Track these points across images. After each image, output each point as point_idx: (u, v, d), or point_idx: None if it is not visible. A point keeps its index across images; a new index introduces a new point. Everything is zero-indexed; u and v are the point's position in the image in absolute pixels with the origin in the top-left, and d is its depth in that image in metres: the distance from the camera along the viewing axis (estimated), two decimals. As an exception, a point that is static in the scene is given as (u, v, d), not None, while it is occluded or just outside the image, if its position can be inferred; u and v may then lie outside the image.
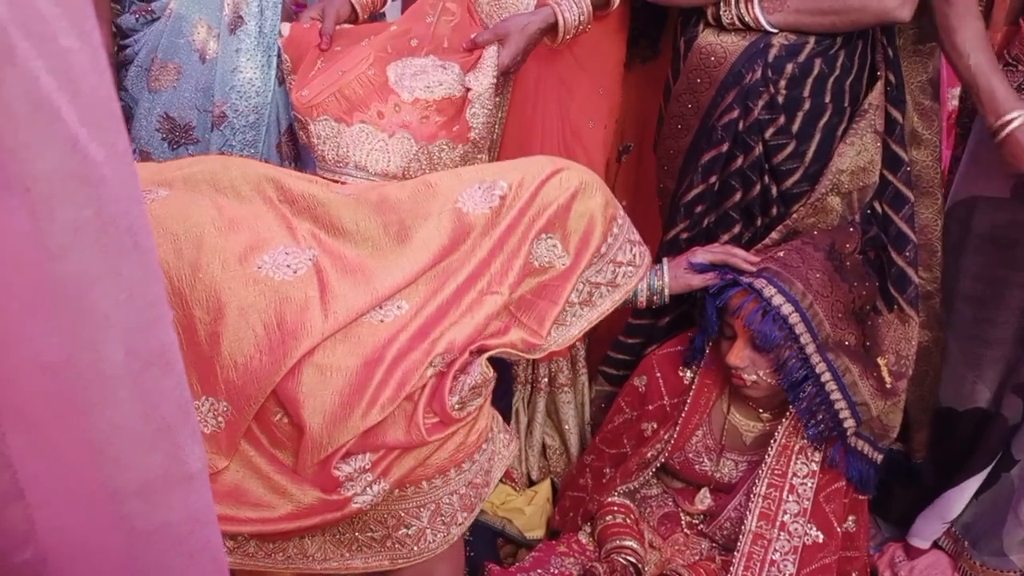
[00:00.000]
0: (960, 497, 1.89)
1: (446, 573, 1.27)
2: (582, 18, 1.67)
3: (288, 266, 1.11)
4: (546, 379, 2.12)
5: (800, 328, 1.56)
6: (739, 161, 1.79)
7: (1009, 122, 1.56)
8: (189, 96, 1.84)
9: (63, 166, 0.39)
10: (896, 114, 1.77)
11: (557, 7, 1.64)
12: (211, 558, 0.56)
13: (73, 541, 0.49)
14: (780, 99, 1.73)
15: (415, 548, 1.18)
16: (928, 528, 1.95)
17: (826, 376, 1.59)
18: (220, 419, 1.09)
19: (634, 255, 1.28)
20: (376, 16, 1.82)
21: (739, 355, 1.63)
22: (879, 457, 1.71)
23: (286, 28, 1.63)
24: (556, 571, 1.75)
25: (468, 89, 1.56)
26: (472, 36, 1.62)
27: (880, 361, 1.67)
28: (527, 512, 2.06)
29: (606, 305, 1.26)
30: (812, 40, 1.70)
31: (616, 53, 1.91)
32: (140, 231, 0.46)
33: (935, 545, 1.96)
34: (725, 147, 1.79)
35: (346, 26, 1.66)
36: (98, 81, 0.40)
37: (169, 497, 0.52)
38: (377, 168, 1.53)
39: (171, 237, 1.10)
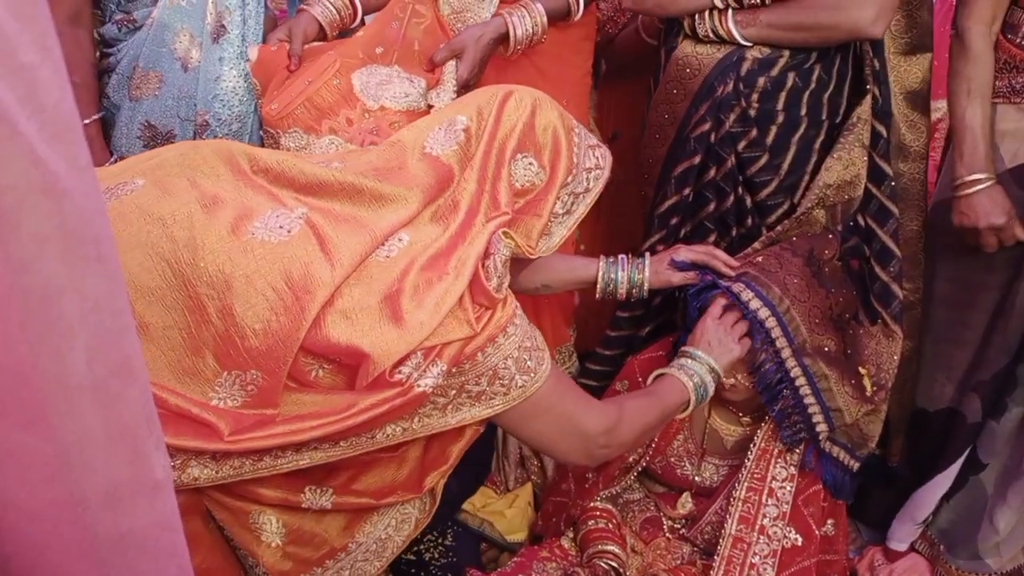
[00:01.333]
0: (929, 497, 1.91)
1: (550, 424, 1.30)
2: (535, 28, 1.68)
3: (281, 227, 1.14)
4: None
5: (776, 332, 1.58)
6: (712, 172, 1.81)
7: (976, 182, 1.65)
8: (171, 104, 1.84)
9: (24, 180, 0.40)
10: (881, 128, 1.78)
11: (508, 18, 1.66)
12: (176, 564, 0.56)
13: (37, 547, 0.49)
14: (752, 112, 1.75)
15: (476, 407, 1.22)
16: (903, 530, 1.97)
17: (800, 380, 1.61)
18: (251, 387, 1.11)
19: (598, 158, 1.33)
20: (345, 33, 1.82)
21: None
22: (855, 464, 1.73)
23: (254, 52, 1.63)
24: (539, 573, 1.76)
25: (431, 107, 1.57)
26: (430, 56, 1.63)
27: (862, 371, 1.68)
28: (508, 515, 2.07)
29: (580, 209, 1.31)
30: (786, 54, 1.72)
31: (580, 64, 1.91)
32: (104, 243, 0.47)
33: (913, 549, 1.98)
34: (698, 159, 1.81)
35: (315, 44, 1.66)
36: (60, 96, 0.41)
37: (134, 504, 0.53)
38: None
39: (159, 223, 1.11)
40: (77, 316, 0.46)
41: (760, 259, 1.68)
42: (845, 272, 1.72)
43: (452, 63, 1.62)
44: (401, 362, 1.10)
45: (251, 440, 1.09)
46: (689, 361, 1.56)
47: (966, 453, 1.86)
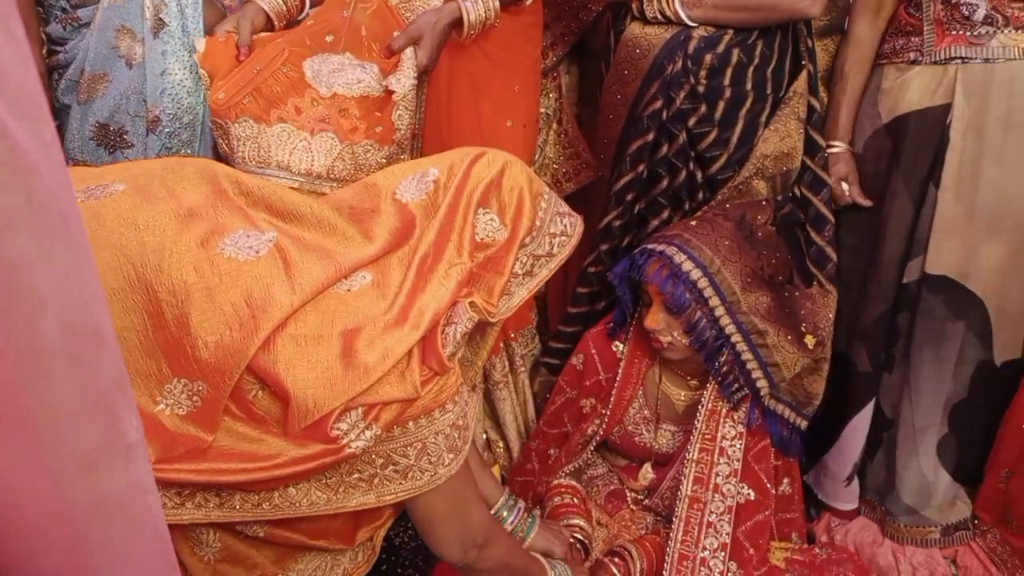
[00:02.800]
0: (844, 454, 1.99)
1: (444, 506, 1.29)
2: (488, 13, 1.70)
3: (250, 247, 1.15)
4: (480, 376, 2.14)
5: (709, 292, 1.65)
6: (664, 149, 1.86)
7: (832, 146, 1.88)
8: (120, 102, 1.84)
9: (-8, 153, 0.42)
10: (815, 102, 1.86)
11: (462, 3, 1.68)
12: (152, 526, 0.59)
13: (14, 515, 0.51)
14: (701, 89, 1.81)
15: (403, 484, 1.21)
16: (833, 490, 2.04)
17: (736, 337, 1.68)
18: (196, 399, 1.11)
19: (565, 225, 1.34)
20: (293, 24, 1.83)
21: (654, 318, 1.71)
22: (802, 422, 1.79)
23: (201, 43, 1.63)
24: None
25: (391, 92, 1.59)
26: (388, 44, 1.65)
27: (803, 328, 1.75)
28: (477, 497, 2.09)
29: (544, 273, 1.32)
30: (730, 32, 1.79)
31: (530, 51, 1.93)
32: (71, 217, 0.49)
33: (858, 512, 2.04)
34: (651, 136, 1.86)
35: (263, 35, 1.67)
36: (24, 75, 0.43)
37: (109, 469, 0.55)
38: (300, 168, 1.55)
39: (132, 226, 1.12)
40: (48, 287, 0.48)
41: (693, 223, 1.75)
42: (779, 237, 1.79)
43: (410, 50, 1.64)
44: (341, 417, 1.10)
45: (176, 472, 1.09)
46: (560, 567, 1.62)
47: (870, 408, 1.94)
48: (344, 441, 1.11)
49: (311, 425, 1.10)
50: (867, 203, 1.87)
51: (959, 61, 1.70)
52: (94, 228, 1.11)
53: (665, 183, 1.89)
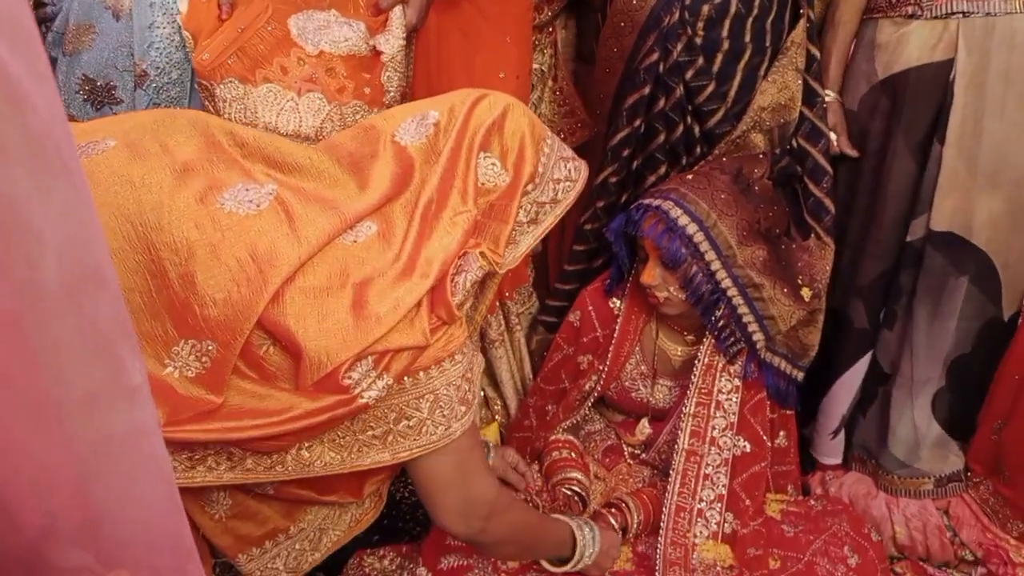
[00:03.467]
0: (834, 406, 2.01)
1: (451, 469, 1.26)
2: None
3: (251, 201, 1.12)
4: (477, 334, 2.13)
5: (704, 246, 1.65)
6: (661, 103, 1.84)
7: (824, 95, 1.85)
8: (107, 56, 1.81)
9: (-15, 83, 0.41)
10: (814, 50, 1.84)
11: None
12: (157, 467, 0.59)
13: (18, 453, 0.51)
14: (698, 40, 1.78)
15: (417, 440, 1.19)
16: (823, 444, 2.05)
17: (732, 291, 1.68)
18: (205, 359, 1.09)
19: (569, 170, 1.31)
20: None
21: (650, 274, 1.71)
22: (799, 374, 1.80)
23: (183, 3, 1.58)
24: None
25: (380, 52, 1.56)
26: (375, 2, 1.61)
27: (799, 281, 1.75)
28: (475, 453, 2.11)
29: (549, 220, 1.30)
30: None
31: (520, 2, 1.89)
32: (67, 152, 0.48)
33: (847, 467, 2.06)
34: (647, 90, 1.84)
35: None
36: (14, 4, 0.42)
37: (113, 409, 0.55)
38: (288, 128, 1.52)
39: (128, 184, 1.10)
40: (45, 223, 0.47)
41: (690, 177, 1.74)
42: (775, 190, 1.78)
43: (399, 8, 1.61)
44: (352, 367, 1.09)
45: (185, 432, 1.08)
46: (588, 529, 1.60)
47: (865, 361, 1.94)
48: (356, 391, 1.10)
49: (323, 377, 1.09)
50: (854, 153, 1.85)
51: (960, 15, 1.67)
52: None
53: (662, 138, 1.88)
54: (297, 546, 1.40)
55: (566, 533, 1.57)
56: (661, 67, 1.81)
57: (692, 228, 1.64)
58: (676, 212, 1.65)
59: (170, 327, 1.09)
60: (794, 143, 1.84)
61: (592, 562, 1.60)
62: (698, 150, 1.88)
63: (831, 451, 2.05)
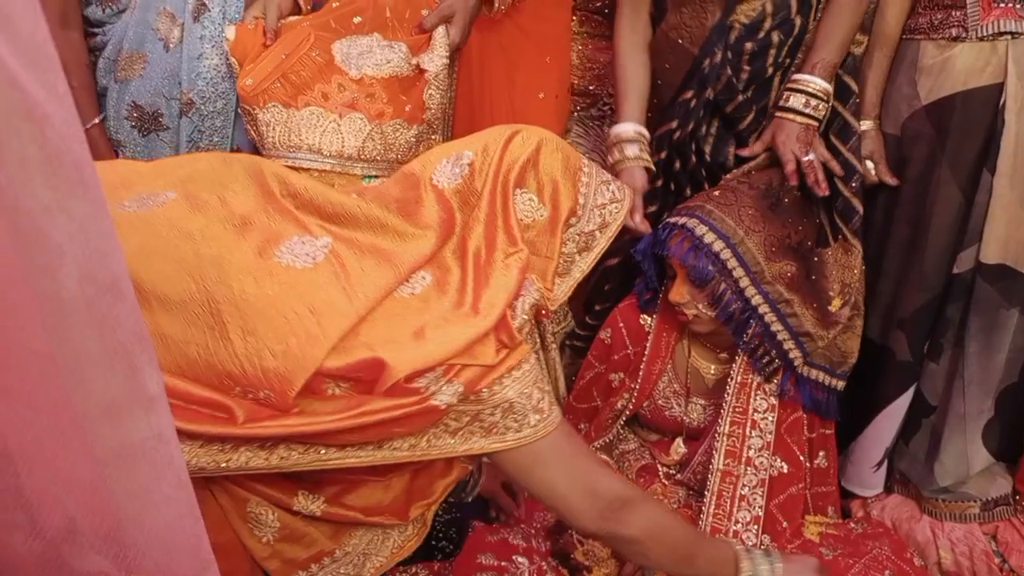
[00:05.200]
0: (877, 440, 1.93)
1: (559, 479, 1.26)
2: None
3: (307, 254, 1.14)
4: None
5: (732, 263, 1.64)
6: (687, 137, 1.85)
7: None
8: (156, 84, 1.88)
9: (4, 102, 0.43)
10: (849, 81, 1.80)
11: None
12: (174, 475, 0.61)
13: (40, 458, 0.53)
14: (744, 75, 1.77)
15: (487, 439, 1.20)
16: (863, 476, 1.98)
17: (764, 308, 1.66)
18: (263, 402, 1.11)
19: (613, 192, 1.32)
20: (319, 6, 1.84)
21: (678, 291, 1.70)
22: (839, 383, 1.76)
23: (231, 31, 1.64)
24: (539, 524, 1.81)
25: (423, 70, 1.59)
26: (420, 22, 1.64)
27: (831, 293, 1.72)
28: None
29: (602, 243, 1.31)
30: (770, 14, 1.73)
31: (561, 18, 1.92)
32: (85, 168, 0.50)
33: (890, 491, 2.00)
34: (675, 124, 1.84)
35: (291, 19, 1.68)
36: (34, 25, 0.44)
37: (132, 417, 0.57)
38: (332, 149, 1.56)
39: (188, 237, 1.12)
40: (65, 236, 0.50)
41: (717, 193, 1.73)
42: (805, 202, 1.75)
43: (442, 28, 1.64)
44: (420, 374, 1.10)
45: (265, 427, 1.09)
46: (761, 555, 1.38)
47: (909, 394, 1.87)
48: (427, 393, 1.11)
49: (391, 386, 1.10)
50: (893, 182, 1.80)
51: (1008, 37, 1.61)
52: (148, 239, 1.12)
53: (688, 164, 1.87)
54: (342, 570, 1.41)
55: (728, 553, 1.38)
56: (693, 103, 1.81)
57: (719, 245, 1.63)
58: (702, 230, 1.64)
59: (225, 379, 1.10)
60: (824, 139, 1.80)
61: None
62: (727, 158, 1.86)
63: (872, 483, 1.98)
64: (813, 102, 1.67)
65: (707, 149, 1.85)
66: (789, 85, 1.72)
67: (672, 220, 1.69)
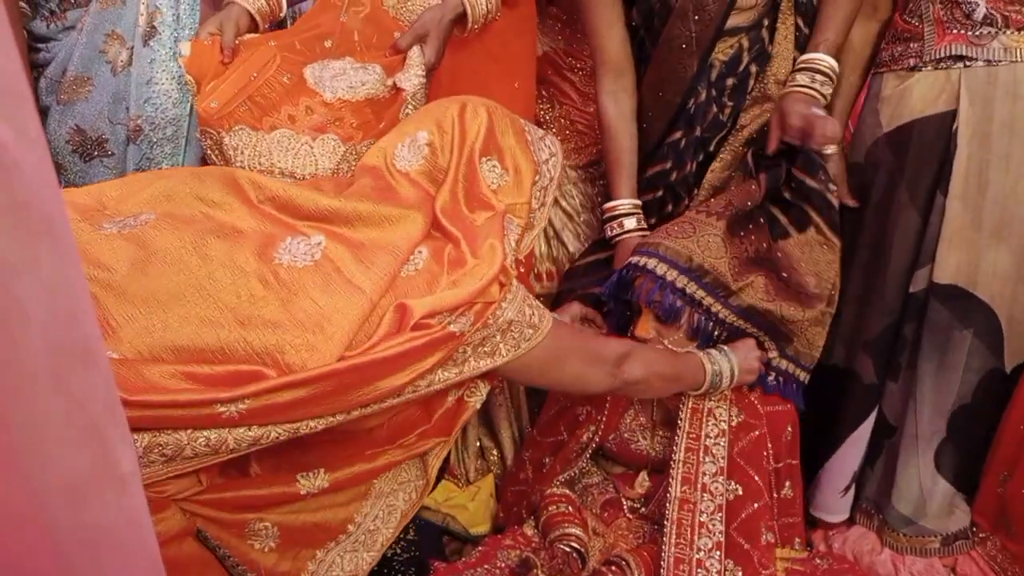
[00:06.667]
0: (844, 464, 1.94)
1: (568, 364, 1.44)
2: (490, 6, 1.69)
3: (305, 253, 1.18)
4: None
5: (700, 293, 1.65)
6: (674, 176, 1.87)
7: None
8: (101, 108, 1.79)
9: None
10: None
11: None
12: (148, 560, 0.54)
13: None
14: (727, 111, 1.79)
15: (494, 359, 1.31)
16: (829, 502, 1.98)
17: (740, 323, 1.69)
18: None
19: (548, 146, 1.42)
20: (277, 24, 1.78)
21: (643, 327, 1.70)
22: (804, 375, 1.79)
23: (186, 47, 1.59)
24: (503, 564, 1.75)
25: (400, 90, 1.56)
26: (394, 43, 1.63)
27: (810, 283, 1.72)
28: (470, 508, 2.06)
29: (549, 198, 1.42)
30: (746, 46, 1.75)
31: (526, 45, 1.91)
32: (56, 220, 0.44)
33: (853, 521, 2.00)
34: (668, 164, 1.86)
35: (248, 36, 1.63)
36: (5, 61, 0.38)
37: (100, 499, 0.50)
38: (306, 172, 1.51)
39: (183, 250, 1.13)
40: (31, 298, 0.43)
41: (675, 228, 1.73)
42: (746, 208, 1.74)
43: (416, 48, 1.61)
44: (436, 313, 1.19)
45: (307, 373, 1.10)
46: (717, 352, 1.66)
47: (873, 416, 1.90)
48: (444, 323, 1.19)
49: (414, 325, 1.16)
50: (853, 203, 1.84)
51: (961, 65, 1.66)
52: (141, 255, 1.12)
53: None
54: (352, 547, 1.43)
55: (696, 360, 1.64)
56: (682, 143, 1.82)
57: (682, 281, 1.64)
58: (662, 268, 1.65)
59: (245, 363, 1.11)
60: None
61: (739, 377, 1.67)
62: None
63: (838, 508, 1.98)
64: (820, 78, 1.68)
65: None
66: (797, 67, 1.73)
67: (633, 261, 1.68)
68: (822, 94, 1.68)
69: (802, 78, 1.69)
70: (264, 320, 1.10)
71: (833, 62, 1.70)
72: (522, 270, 1.43)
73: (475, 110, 1.33)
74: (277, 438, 1.15)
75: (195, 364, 1.06)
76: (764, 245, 1.71)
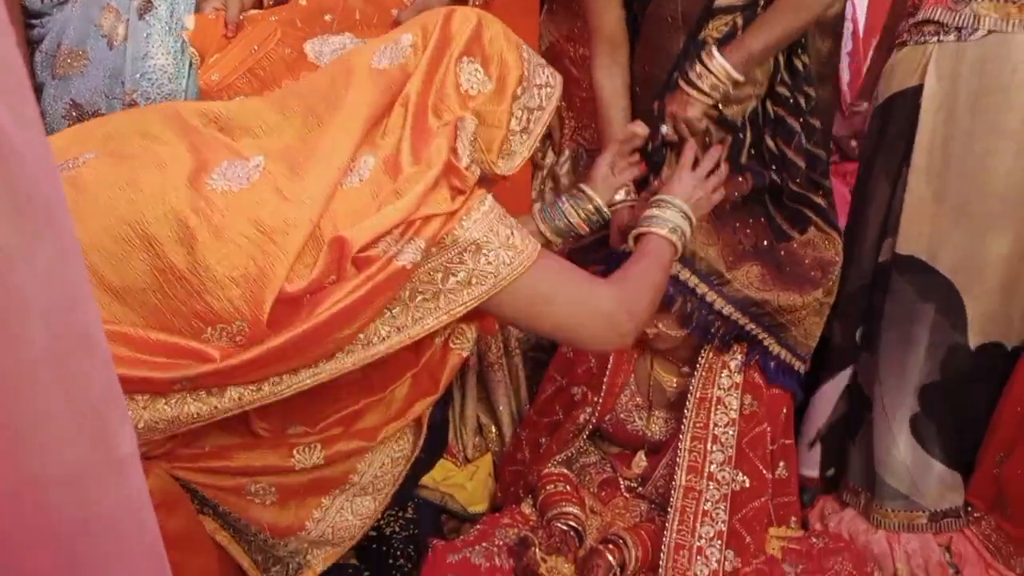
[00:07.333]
0: (808, 418, 2.01)
1: (556, 307, 1.23)
2: None
3: (240, 176, 1.12)
4: (475, 356, 2.13)
5: (693, 280, 1.65)
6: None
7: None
8: (97, 83, 1.78)
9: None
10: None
11: None
12: (147, 544, 0.54)
13: None
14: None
15: (470, 292, 1.16)
16: (802, 454, 2.02)
17: (736, 315, 1.69)
18: (239, 336, 1.08)
19: (547, 76, 1.30)
20: (282, 1, 1.77)
21: None
22: (801, 365, 1.80)
23: (190, 20, 1.59)
24: (500, 542, 1.77)
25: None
26: (394, 20, 1.61)
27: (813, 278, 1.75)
28: (468, 487, 2.07)
29: (538, 129, 1.28)
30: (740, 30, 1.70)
31: (529, 25, 1.91)
32: (55, 208, 0.44)
33: (843, 502, 2.01)
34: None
35: (252, 12, 1.63)
36: (3, 46, 0.38)
37: (100, 483, 0.50)
38: None
39: (117, 187, 1.09)
40: (30, 286, 0.43)
41: None
42: (746, 205, 1.74)
43: None
44: (378, 239, 1.08)
45: (247, 355, 1.07)
46: (658, 211, 1.47)
47: (843, 378, 1.95)
48: (388, 256, 1.08)
49: (355, 261, 1.08)
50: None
51: (936, 40, 1.68)
52: (73, 197, 1.07)
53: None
54: (357, 493, 1.40)
55: (656, 241, 1.45)
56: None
57: (675, 267, 1.63)
58: None
59: (194, 320, 1.08)
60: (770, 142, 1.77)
61: (695, 212, 1.50)
62: None
63: (808, 462, 2.03)
64: (706, 75, 1.62)
65: None
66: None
67: (624, 249, 1.66)
68: (700, 89, 1.64)
69: (692, 72, 1.65)
70: (196, 257, 1.06)
71: (723, 62, 1.62)
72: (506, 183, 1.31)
73: (464, 15, 1.24)
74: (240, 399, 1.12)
75: (146, 329, 1.05)
76: (765, 243, 1.72)
